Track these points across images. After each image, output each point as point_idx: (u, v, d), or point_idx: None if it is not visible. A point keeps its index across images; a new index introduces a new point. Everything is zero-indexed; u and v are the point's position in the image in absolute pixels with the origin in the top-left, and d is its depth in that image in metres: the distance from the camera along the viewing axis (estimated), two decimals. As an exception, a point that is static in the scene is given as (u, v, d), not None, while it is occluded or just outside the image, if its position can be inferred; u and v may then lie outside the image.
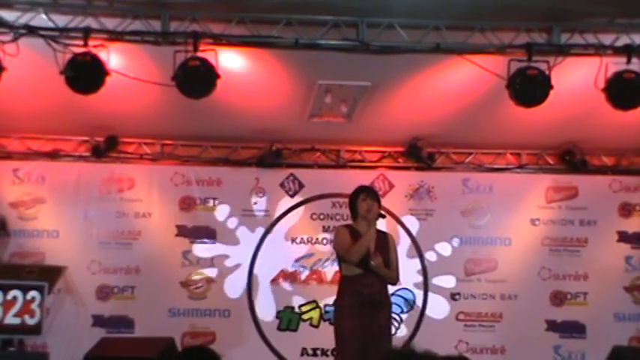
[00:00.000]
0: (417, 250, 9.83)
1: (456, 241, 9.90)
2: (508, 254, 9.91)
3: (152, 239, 9.69)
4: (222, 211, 9.78)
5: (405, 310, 9.72)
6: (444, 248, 9.90)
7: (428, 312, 9.81)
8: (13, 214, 9.52)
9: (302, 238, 9.81)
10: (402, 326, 9.72)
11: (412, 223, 9.91)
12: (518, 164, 10.10)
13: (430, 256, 9.88)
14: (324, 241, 9.73)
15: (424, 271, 9.82)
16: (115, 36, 6.88)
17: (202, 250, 9.68)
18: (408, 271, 9.48)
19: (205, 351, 4.22)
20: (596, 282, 9.86)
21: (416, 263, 9.82)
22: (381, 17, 6.97)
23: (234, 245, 9.74)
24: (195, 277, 9.64)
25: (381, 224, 7.08)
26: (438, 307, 9.82)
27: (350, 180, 9.01)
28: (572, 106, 8.11)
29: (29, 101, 8.30)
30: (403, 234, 9.79)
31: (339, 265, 6.96)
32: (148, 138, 9.73)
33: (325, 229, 9.77)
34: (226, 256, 9.71)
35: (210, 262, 9.68)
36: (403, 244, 9.57)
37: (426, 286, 9.82)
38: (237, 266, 9.71)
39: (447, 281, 9.85)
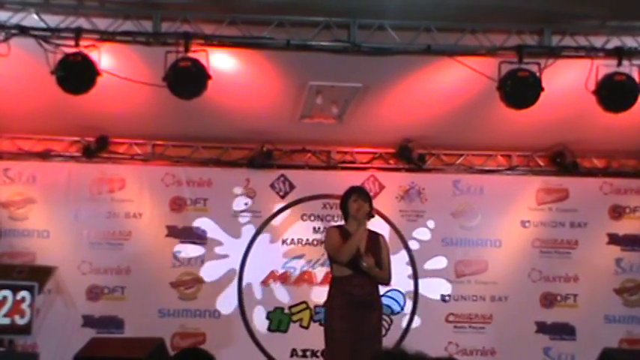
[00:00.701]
0: (403, 242, 9.84)
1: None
2: (498, 256, 9.92)
3: (142, 240, 9.68)
4: (214, 211, 9.78)
5: (395, 311, 9.72)
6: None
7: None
8: (3, 214, 9.51)
9: (292, 239, 9.81)
10: (399, 317, 9.77)
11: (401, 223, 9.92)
12: (508, 166, 10.11)
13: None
14: (315, 242, 9.73)
15: (412, 261, 9.86)
16: (107, 36, 6.87)
17: (192, 250, 9.67)
18: (399, 263, 9.46)
19: (199, 351, 4.24)
20: (587, 284, 9.87)
21: (403, 256, 9.83)
22: (373, 19, 6.97)
23: (225, 246, 9.74)
24: (185, 278, 9.63)
25: (376, 225, 7.10)
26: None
27: (341, 181, 9.02)
28: (562, 108, 8.13)
29: (20, 101, 8.28)
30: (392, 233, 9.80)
31: (331, 266, 6.96)
32: (138, 138, 9.73)
33: (316, 230, 9.78)
34: (216, 256, 9.71)
35: (201, 262, 9.67)
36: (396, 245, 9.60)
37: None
38: (227, 266, 9.69)
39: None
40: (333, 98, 8.44)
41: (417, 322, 9.78)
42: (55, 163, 9.70)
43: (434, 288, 9.86)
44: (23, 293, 7.46)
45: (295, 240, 9.82)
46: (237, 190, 9.82)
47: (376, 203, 7.42)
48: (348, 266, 6.66)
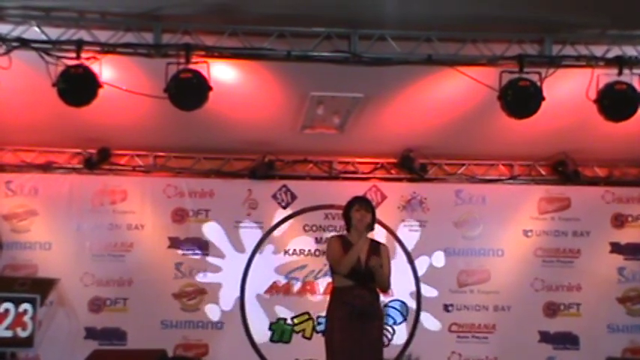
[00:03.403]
0: (405, 251, 9.84)
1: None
2: (501, 265, 9.92)
3: (145, 251, 9.69)
4: (216, 222, 9.79)
5: (397, 321, 9.71)
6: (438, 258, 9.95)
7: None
8: (5, 227, 9.52)
9: (295, 250, 9.81)
10: (402, 327, 9.76)
11: (405, 234, 9.91)
12: (510, 175, 10.11)
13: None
14: (317, 253, 9.72)
15: (414, 271, 9.84)
16: (108, 48, 6.87)
17: (194, 261, 9.66)
18: (401, 273, 9.46)
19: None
20: (590, 293, 9.86)
21: (405, 266, 9.83)
22: (373, 29, 6.98)
23: (227, 257, 9.74)
24: (188, 289, 9.62)
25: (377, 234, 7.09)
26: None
27: (343, 191, 9.03)
28: (564, 118, 8.13)
29: (22, 114, 8.30)
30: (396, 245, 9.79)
31: (332, 276, 6.95)
32: (140, 150, 9.74)
33: (318, 241, 9.77)
34: (219, 267, 9.71)
35: (203, 273, 9.67)
36: (398, 255, 9.61)
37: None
38: (230, 277, 9.69)
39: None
40: (335, 109, 8.44)
41: (419, 331, 9.74)
42: (56, 175, 9.71)
43: (436, 297, 9.84)
44: (25, 306, 7.48)
45: (297, 250, 9.82)
46: (239, 201, 9.81)
47: (378, 213, 7.41)
48: (348, 277, 6.64)
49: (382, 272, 6.67)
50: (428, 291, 9.84)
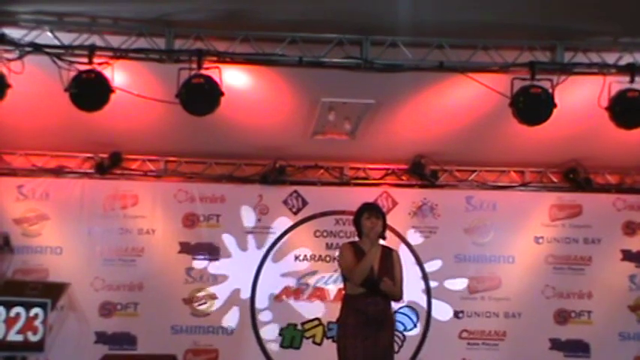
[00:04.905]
0: (416, 258, 9.85)
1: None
2: (512, 272, 9.90)
3: (155, 256, 9.70)
4: (227, 227, 9.79)
5: (408, 328, 9.70)
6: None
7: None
8: (17, 231, 9.54)
9: (305, 256, 9.81)
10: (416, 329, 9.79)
11: (415, 239, 9.92)
12: (521, 182, 10.11)
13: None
14: (328, 258, 9.73)
15: (425, 278, 9.86)
16: (120, 53, 6.90)
17: (205, 266, 9.67)
18: (411, 280, 9.44)
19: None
20: (601, 301, 9.84)
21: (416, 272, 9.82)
22: (385, 35, 6.98)
23: (238, 262, 9.74)
24: (199, 294, 9.63)
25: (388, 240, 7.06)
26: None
27: (353, 197, 9.02)
28: (575, 125, 8.12)
29: (34, 118, 8.32)
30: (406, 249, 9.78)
31: (344, 282, 6.92)
32: (151, 155, 9.77)
33: (329, 247, 9.77)
34: (229, 273, 9.71)
35: (214, 278, 9.68)
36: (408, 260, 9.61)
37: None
38: (240, 283, 9.70)
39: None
40: (346, 114, 8.45)
41: (430, 338, 9.73)
42: (68, 180, 9.74)
43: (447, 304, 9.83)
44: (36, 310, 7.47)
45: (308, 256, 9.82)
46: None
47: (389, 219, 7.37)
48: (361, 285, 6.60)
49: (394, 289, 6.65)
50: (438, 297, 9.82)
